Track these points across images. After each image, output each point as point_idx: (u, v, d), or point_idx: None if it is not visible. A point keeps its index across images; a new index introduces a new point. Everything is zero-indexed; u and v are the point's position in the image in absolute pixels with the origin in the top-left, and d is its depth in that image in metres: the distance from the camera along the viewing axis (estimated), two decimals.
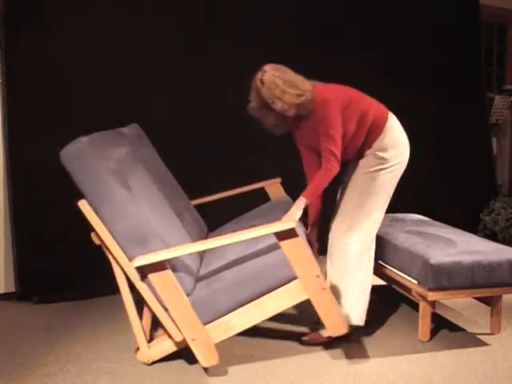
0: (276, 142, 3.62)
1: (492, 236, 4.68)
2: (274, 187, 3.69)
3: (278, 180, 3.70)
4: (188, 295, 2.59)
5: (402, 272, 3.10)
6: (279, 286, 2.61)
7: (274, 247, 2.63)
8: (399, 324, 3.21)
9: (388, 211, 3.09)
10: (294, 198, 3.51)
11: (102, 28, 3.83)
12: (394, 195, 3.08)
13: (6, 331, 3.24)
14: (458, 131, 5.10)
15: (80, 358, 2.86)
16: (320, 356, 2.85)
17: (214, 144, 4.16)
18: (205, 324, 2.61)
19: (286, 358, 2.82)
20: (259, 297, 2.62)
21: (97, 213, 2.63)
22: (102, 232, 2.65)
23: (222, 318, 2.62)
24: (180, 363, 2.77)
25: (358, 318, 2.95)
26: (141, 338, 2.78)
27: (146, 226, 2.63)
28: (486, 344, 2.96)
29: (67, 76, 3.76)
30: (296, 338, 3.03)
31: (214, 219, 3.54)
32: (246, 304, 2.62)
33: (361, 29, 4.65)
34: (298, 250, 2.53)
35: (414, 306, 3.25)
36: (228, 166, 4.15)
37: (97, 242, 2.79)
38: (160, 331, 2.99)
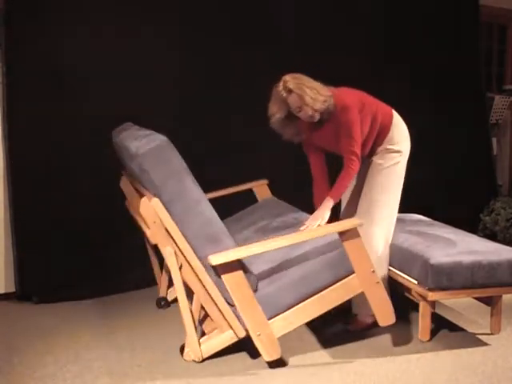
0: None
1: (492, 236, 4.67)
2: (261, 188, 3.76)
3: (265, 181, 3.77)
4: (254, 292, 2.64)
5: (402, 272, 3.10)
6: (337, 282, 2.77)
7: (333, 246, 2.78)
8: (399, 324, 3.21)
9: None
10: (282, 199, 3.61)
11: (101, 28, 3.83)
12: None
13: (6, 331, 3.24)
14: (458, 131, 5.09)
15: (80, 357, 2.87)
16: (320, 356, 2.85)
17: (213, 144, 4.15)
18: (268, 319, 2.67)
19: (286, 358, 2.82)
20: (318, 292, 2.75)
21: (168, 210, 2.64)
22: (172, 229, 2.65)
23: (284, 314, 2.71)
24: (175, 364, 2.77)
25: None
26: (193, 336, 2.76)
27: (218, 224, 2.67)
28: (486, 344, 2.96)
29: (67, 76, 3.76)
30: (297, 337, 3.04)
31: None
32: (306, 299, 2.73)
33: (361, 29, 4.64)
34: (359, 248, 2.71)
35: (414, 306, 3.25)
36: (225, 166, 4.14)
37: (153, 241, 2.74)
38: (208, 327, 2.92)
